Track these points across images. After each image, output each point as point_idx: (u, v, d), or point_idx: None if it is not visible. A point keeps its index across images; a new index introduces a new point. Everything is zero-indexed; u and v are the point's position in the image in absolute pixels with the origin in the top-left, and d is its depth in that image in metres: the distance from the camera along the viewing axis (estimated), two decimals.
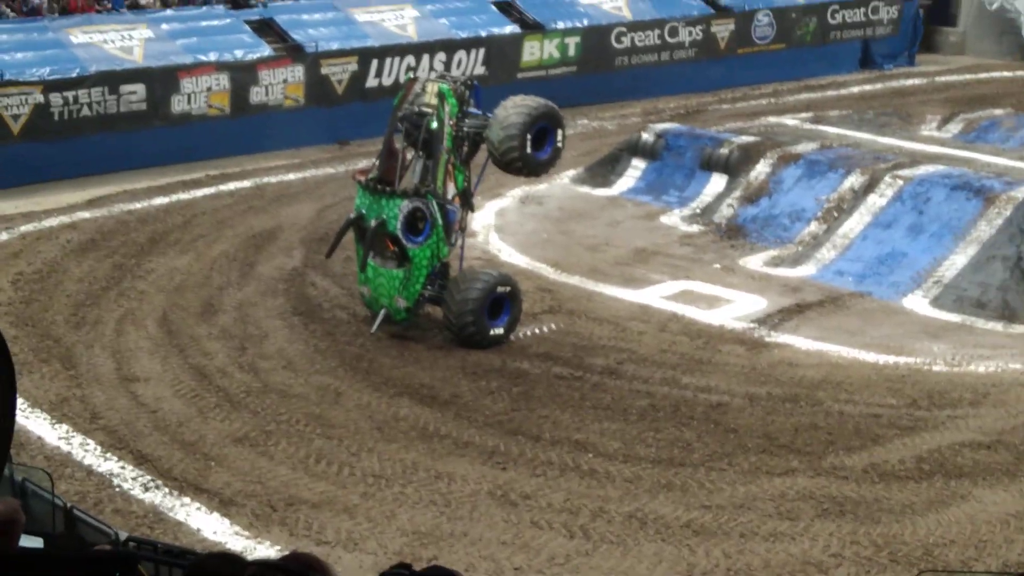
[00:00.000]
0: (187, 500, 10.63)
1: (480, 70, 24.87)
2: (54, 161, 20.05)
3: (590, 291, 16.06)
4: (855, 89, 29.55)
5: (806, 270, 16.79)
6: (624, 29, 27.79)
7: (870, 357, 14.02)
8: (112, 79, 20.84)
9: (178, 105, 21.67)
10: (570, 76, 26.74)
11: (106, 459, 11.31)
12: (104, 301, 15.22)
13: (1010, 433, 12.03)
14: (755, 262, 17.15)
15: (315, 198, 19.91)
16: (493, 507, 10.56)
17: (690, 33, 28.99)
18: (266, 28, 23.59)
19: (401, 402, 12.61)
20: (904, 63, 32.82)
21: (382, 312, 14.15)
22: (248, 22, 23.50)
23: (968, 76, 30.95)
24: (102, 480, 10.93)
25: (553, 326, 14.76)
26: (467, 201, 14.36)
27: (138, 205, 19.31)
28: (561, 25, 26.88)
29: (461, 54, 25.11)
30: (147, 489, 10.79)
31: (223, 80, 22.12)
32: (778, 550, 9.94)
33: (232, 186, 20.62)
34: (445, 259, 14.31)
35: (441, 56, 24.77)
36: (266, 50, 22.87)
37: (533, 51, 26.35)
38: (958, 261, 16.03)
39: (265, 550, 9.77)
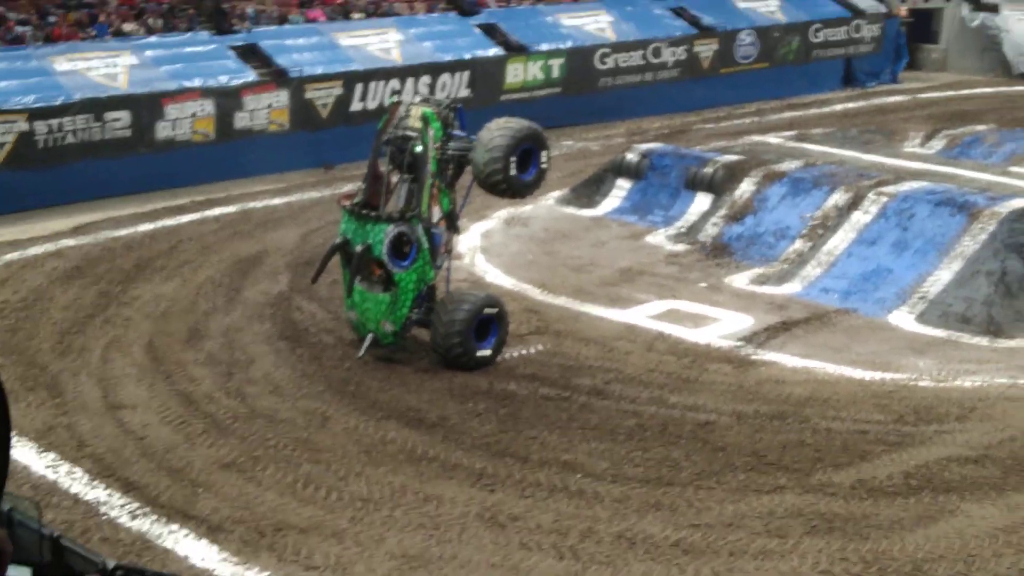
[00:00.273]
0: (175, 527, 10.58)
1: (464, 92, 24.96)
2: (39, 189, 20.06)
3: (576, 312, 16.07)
4: (838, 107, 29.72)
5: (792, 288, 16.83)
6: (608, 50, 27.94)
7: (856, 373, 14.05)
8: (97, 106, 20.87)
9: (163, 131, 21.70)
10: (554, 97, 26.86)
11: (93, 487, 11.26)
12: (90, 328, 15.19)
13: (997, 447, 12.04)
14: (741, 280, 17.19)
15: (300, 223, 19.92)
16: (482, 529, 10.53)
17: (673, 53, 29.15)
18: (250, 53, 23.66)
19: (388, 425, 12.58)
20: (887, 80, 33.01)
21: (369, 337, 14.13)
22: (232, 47, 23.57)
23: (950, 92, 31.14)
24: (89, 508, 10.88)
25: (540, 347, 14.76)
26: (453, 223, 14.37)
27: (123, 232, 19.30)
28: (545, 47, 27.01)
29: (445, 77, 25.21)
30: (135, 517, 10.74)
31: (208, 106, 22.16)
32: (767, 568, 9.93)
33: (217, 211, 20.62)
34: (431, 282, 14.31)
35: (426, 79, 24.86)
36: (251, 75, 22.93)
37: (517, 73, 26.47)
38: (943, 277, 16.08)
39: None
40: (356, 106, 24.05)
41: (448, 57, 25.49)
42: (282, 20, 25.46)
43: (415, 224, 13.95)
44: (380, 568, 9.91)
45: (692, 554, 10.13)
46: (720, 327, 15.47)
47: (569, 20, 28.28)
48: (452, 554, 10.14)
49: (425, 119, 14.07)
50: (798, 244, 17.83)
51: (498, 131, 13.95)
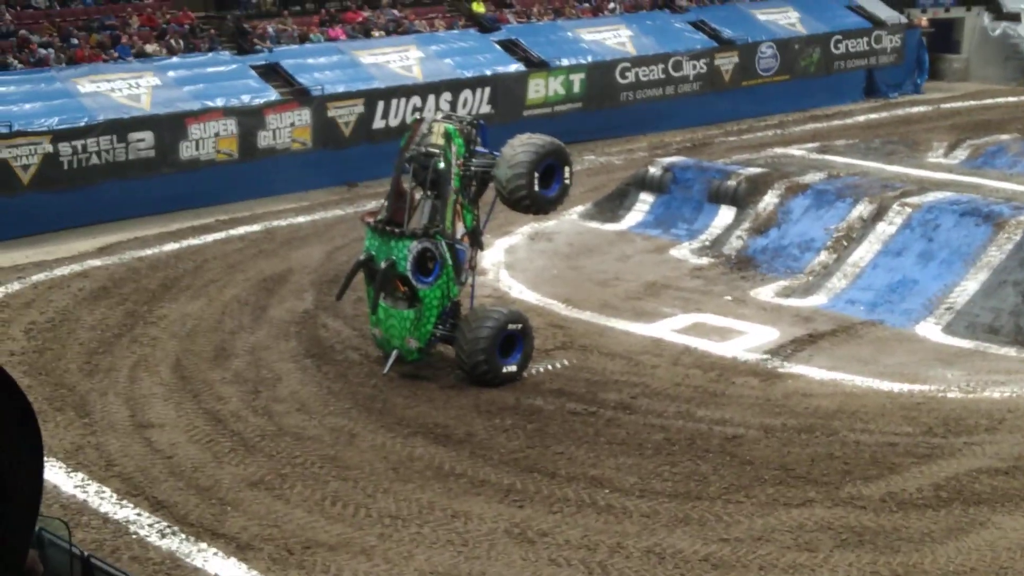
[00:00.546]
0: (204, 546, 10.60)
1: (486, 109, 25.01)
2: (64, 210, 20.19)
3: (602, 326, 16.05)
4: (860, 118, 29.64)
5: (817, 300, 16.78)
6: (628, 64, 27.95)
7: (884, 385, 13.98)
8: (120, 127, 21.00)
9: (186, 151, 21.81)
10: (576, 112, 26.89)
11: (122, 506, 11.29)
12: (117, 348, 15.26)
13: None
14: (766, 293, 17.14)
15: (325, 240, 19.98)
16: (511, 545, 10.51)
17: (694, 67, 29.14)
18: (272, 73, 23.77)
19: (416, 442, 12.58)
20: (910, 91, 32.92)
21: (394, 353, 14.15)
22: (254, 67, 23.69)
23: (973, 102, 31.02)
24: (119, 527, 10.91)
25: (566, 362, 14.75)
26: (476, 239, 14.38)
27: (149, 252, 19.39)
28: (566, 62, 27.04)
29: (467, 93, 25.26)
30: (164, 535, 10.76)
31: (230, 125, 22.26)
32: None
33: (242, 230, 20.70)
34: (456, 298, 14.32)
35: (447, 96, 24.91)
36: (272, 94, 23.03)
37: (538, 89, 26.50)
38: (969, 287, 16.01)
39: None
40: (378, 124, 24.13)
41: (469, 74, 25.56)
42: (303, 39, 25.56)
43: (439, 240, 13.96)
44: None
45: (722, 568, 10.08)
46: (746, 340, 15.43)
47: (589, 35, 28.33)
48: (481, 570, 10.12)
49: (448, 136, 14.10)
50: (823, 256, 17.78)
51: (521, 147, 13.96)
